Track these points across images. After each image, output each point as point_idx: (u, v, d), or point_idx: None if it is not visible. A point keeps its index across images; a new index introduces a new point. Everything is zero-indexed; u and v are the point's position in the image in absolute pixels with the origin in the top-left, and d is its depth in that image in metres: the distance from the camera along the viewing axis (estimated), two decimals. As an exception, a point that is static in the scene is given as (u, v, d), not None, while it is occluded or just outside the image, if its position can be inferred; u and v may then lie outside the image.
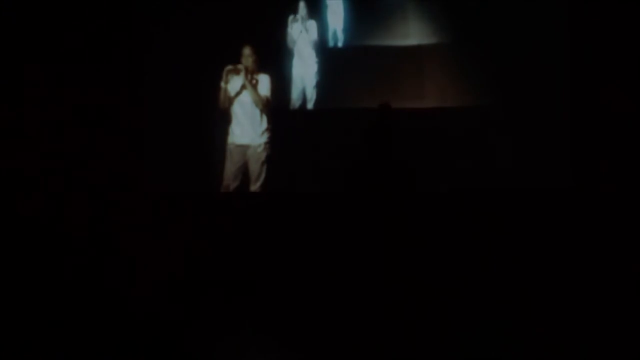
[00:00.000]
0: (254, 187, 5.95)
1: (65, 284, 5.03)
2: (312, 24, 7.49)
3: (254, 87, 5.91)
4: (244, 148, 5.96)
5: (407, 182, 5.46)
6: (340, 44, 8.30)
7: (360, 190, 5.50)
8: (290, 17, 7.43)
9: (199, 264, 5.13)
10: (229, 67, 5.86)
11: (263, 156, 5.96)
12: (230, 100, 5.93)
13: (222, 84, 5.85)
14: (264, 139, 5.98)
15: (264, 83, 5.97)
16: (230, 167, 5.97)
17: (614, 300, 4.85)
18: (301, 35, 7.45)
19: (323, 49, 7.74)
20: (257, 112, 5.96)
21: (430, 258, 5.11)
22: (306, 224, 5.27)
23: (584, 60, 5.36)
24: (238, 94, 5.95)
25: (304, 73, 7.53)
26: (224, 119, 6.06)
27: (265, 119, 6.00)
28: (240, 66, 5.89)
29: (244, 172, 5.99)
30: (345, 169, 5.67)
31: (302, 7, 7.45)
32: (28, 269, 5.09)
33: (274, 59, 6.78)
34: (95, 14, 5.43)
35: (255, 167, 5.96)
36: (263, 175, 5.96)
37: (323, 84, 7.51)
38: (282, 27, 7.39)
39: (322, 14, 8.02)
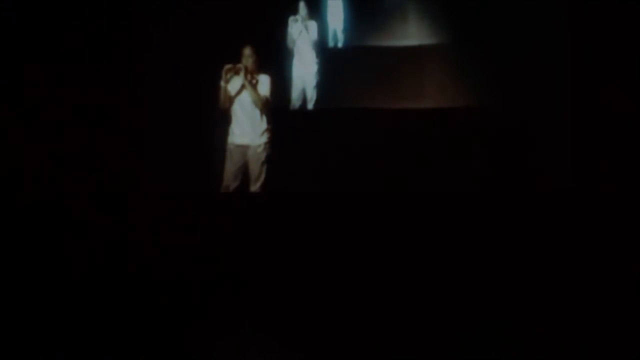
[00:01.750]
0: (254, 187, 5.95)
1: (65, 284, 5.03)
2: (312, 24, 7.49)
3: (254, 87, 5.91)
4: (244, 148, 5.96)
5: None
6: (340, 44, 8.31)
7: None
8: (290, 17, 7.43)
9: (198, 264, 5.13)
10: (228, 66, 5.86)
11: (263, 156, 5.97)
12: (230, 100, 5.93)
13: (222, 84, 5.85)
14: (264, 139, 5.98)
15: (264, 83, 5.98)
16: (230, 168, 5.97)
17: (614, 300, 4.85)
18: (301, 35, 7.45)
19: (323, 49, 7.74)
20: (257, 112, 5.96)
21: (430, 258, 5.11)
22: (306, 224, 5.27)
23: (584, 60, 5.36)
24: (238, 93, 5.95)
25: (304, 73, 7.52)
26: (224, 119, 6.05)
27: (265, 119, 6.00)
28: (239, 66, 5.89)
29: (244, 172, 5.99)
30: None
31: (302, 7, 7.45)
32: (28, 269, 5.09)
33: (274, 59, 6.77)
34: (95, 14, 5.42)
35: (255, 168, 5.95)
36: (263, 176, 5.96)
37: (323, 84, 7.51)
38: (282, 27, 7.39)
39: (322, 14, 8.02)
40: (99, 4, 5.43)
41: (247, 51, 5.95)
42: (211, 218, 5.30)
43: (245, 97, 5.96)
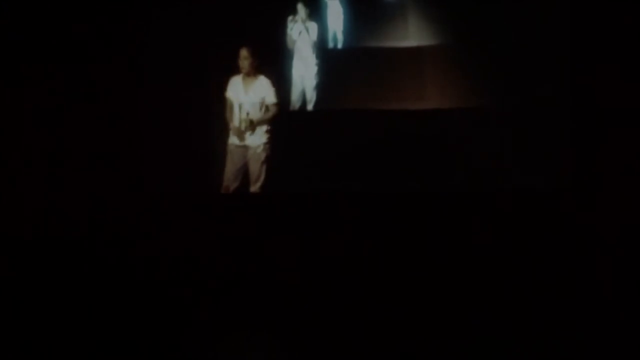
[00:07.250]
0: (254, 188, 5.96)
1: (65, 283, 5.03)
2: (312, 25, 7.48)
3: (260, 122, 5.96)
4: (244, 149, 5.97)
5: None
6: (340, 45, 8.30)
7: None
8: (290, 18, 7.43)
9: (198, 264, 5.14)
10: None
11: (263, 157, 5.97)
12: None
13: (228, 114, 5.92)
14: (263, 140, 5.99)
15: (267, 88, 5.98)
16: (231, 168, 5.98)
17: (614, 300, 4.85)
18: (301, 36, 7.44)
19: (323, 50, 7.73)
20: (258, 114, 5.98)
21: (430, 258, 5.11)
22: (306, 224, 5.28)
23: (584, 61, 5.36)
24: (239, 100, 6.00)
25: (304, 74, 7.52)
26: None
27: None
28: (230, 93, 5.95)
29: (244, 173, 6.00)
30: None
31: (301, 8, 7.45)
32: (27, 269, 5.09)
33: (274, 59, 6.77)
34: (95, 13, 5.43)
35: (255, 168, 5.96)
36: (263, 176, 5.96)
37: (323, 85, 7.50)
38: (282, 27, 7.38)
39: (322, 15, 8.01)
40: (98, 4, 5.44)
41: (244, 53, 5.94)
42: (211, 218, 5.31)
43: (247, 100, 5.97)
